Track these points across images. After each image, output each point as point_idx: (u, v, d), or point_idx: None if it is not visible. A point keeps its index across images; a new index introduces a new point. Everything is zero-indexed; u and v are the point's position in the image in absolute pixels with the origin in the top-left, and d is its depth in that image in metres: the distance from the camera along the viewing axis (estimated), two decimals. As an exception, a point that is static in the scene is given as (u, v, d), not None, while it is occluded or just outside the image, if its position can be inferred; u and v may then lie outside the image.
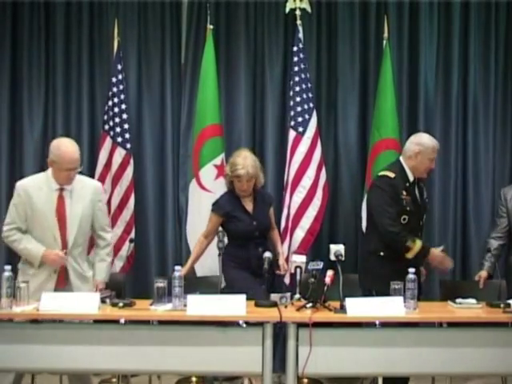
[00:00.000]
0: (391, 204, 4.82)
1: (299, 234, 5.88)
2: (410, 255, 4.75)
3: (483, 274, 5.18)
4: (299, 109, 5.99)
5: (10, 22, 6.46)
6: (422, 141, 4.99)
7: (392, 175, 4.89)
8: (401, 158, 5.03)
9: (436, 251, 4.90)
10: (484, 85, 6.48)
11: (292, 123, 6.00)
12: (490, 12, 6.46)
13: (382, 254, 4.84)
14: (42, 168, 6.34)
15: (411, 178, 4.95)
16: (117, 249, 5.74)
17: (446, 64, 6.48)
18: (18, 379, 4.57)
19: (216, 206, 5.12)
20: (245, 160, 4.99)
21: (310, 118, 6.00)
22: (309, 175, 5.94)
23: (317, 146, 6.01)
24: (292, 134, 5.99)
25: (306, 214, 5.92)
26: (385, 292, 4.28)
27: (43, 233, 4.65)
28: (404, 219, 4.85)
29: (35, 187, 4.67)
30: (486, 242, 5.36)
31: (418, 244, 4.77)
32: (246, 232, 5.01)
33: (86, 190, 4.73)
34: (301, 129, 5.97)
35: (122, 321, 4.38)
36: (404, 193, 4.87)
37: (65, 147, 4.65)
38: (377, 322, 4.33)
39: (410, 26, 6.48)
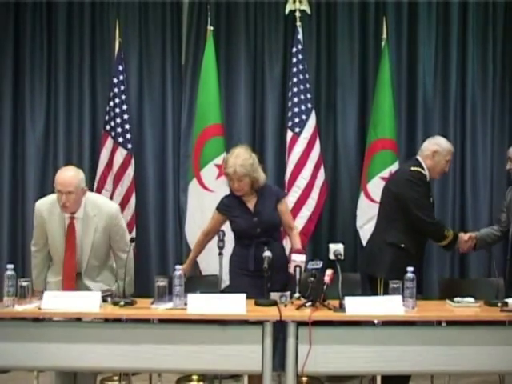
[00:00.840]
0: (427, 197, 5.03)
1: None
2: (445, 243, 5.10)
3: (473, 234, 5.32)
4: (296, 109, 5.99)
5: (12, 23, 6.48)
6: (440, 141, 5.21)
7: (424, 172, 5.06)
8: (419, 158, 5.15)
9: (462, 235, 5.21)
10: (482, 86, 6.47)
11: (289, 124, 6.01)
12: (488, 13, 6.45)
13: (403, 246, 4.93)
14: (44, 168, 6.41)
15: (428, 178, 5.11)
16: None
17: (445, 65, 6.47)
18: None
19: (219, 204, 5.00)
20: (236, 159, 4.77)
21: (307, 119, 5.99)
22: (304, 176, 5.92)
23: (314, 147, 6.00)
24: (289, 134, 6.00)
25: (300, 214, 5.91)
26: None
27: (53, 253, 4.74)
28: None
29: (48, 211, 4.67)
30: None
31: (451, 232, 5.10)
32: (247, 229, 4.81)
33: (100, 218, 4.67)
34: (297, 129, 5.97)
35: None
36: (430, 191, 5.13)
37: (62, 170, 4.70)
38: (376, 321, 4.32)
39: (409, 27, 6.48)
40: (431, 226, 5.00)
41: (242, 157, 4.80)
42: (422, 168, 5.05)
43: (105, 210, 4.73)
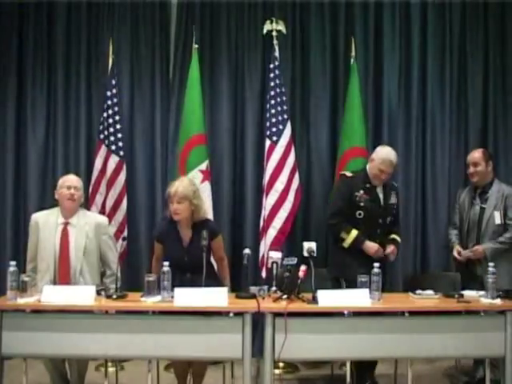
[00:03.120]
0: (343, 199, 4.99)
1: (272, 232, 5.83)
2: (345, 245, 4.97)
3: (458, 247, 5.22)
4: (274, 120, 5.96)
5: (15, 43, 6.46)
6: (378, 150, 5.21)
7: (349, 174, 5.11)
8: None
9: (370, 244, 4.98)
10: (440, 98, 6.52)
11: (267, 133, 5.96)
12: (445, 34, 6.53)
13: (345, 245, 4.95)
14: (44, 173, 6.38)
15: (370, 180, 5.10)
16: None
17: (407, 79, 6.52)
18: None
19: (155, 232, 4.89)
20: (180, 182, 4.70)
21: (283, 128, 5.95)
22: (281, 180, 5.88)
23: (290, 154, 5.96)
24: (267, 142, 5.95)
25: (278, 215, 5.86)
26: (352, 280, 4.33)
27: (41, 261, 4.71)
28: (359, 214, 5.02)
29: (44, 219, 4.77)
30: (448, 233, 5.48)
31: (353, 235, 4.94)
32: (177, 264, 4.47)
33: (90, 226, 4.77)
34: (275, 138, 5.93)
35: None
36: (361, 191, 5.02)
37: (67, 175, 4.95)
38: (345, 312, 4.33)
39: (375, 46, 6.51)
40: (328, 227, 5.07)
41: (186, 182, 4.74)
42: (356, 172, 5.06)
43: (94, 219, 4.90)
